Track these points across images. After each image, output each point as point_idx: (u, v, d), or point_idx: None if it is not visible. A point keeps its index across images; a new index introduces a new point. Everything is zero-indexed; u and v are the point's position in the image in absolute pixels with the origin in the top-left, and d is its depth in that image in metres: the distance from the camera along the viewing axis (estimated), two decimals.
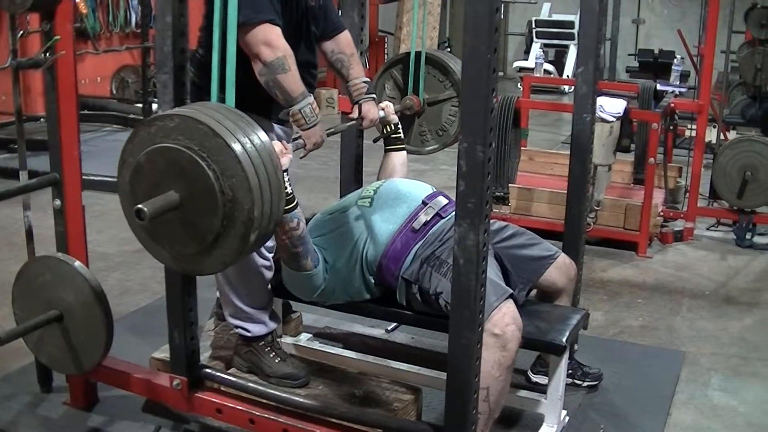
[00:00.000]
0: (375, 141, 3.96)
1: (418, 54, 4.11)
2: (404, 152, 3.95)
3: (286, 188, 2.81)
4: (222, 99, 2.77)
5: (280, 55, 3.18)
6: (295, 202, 3.06)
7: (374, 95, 3.85)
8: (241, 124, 2.46)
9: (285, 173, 2.85)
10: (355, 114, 3.81)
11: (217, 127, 2.39)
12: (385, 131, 3.89)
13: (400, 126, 3.91)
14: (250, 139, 2.42)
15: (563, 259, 3.60)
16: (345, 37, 3.79)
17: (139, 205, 2.38)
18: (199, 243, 2.48)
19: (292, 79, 3.21)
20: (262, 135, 2.48)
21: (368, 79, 3.83)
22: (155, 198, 2.43)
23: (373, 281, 3.39)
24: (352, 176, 4.20)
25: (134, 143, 2.53)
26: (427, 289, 3.23)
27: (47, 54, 3.27)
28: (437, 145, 4.20)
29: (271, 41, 3.19)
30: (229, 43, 2.71)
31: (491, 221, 2.61)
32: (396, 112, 3.90)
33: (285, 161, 2.91)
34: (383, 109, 3.82)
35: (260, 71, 3.17)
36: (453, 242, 2.57)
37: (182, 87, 2.96)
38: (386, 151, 3.93)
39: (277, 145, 2.86)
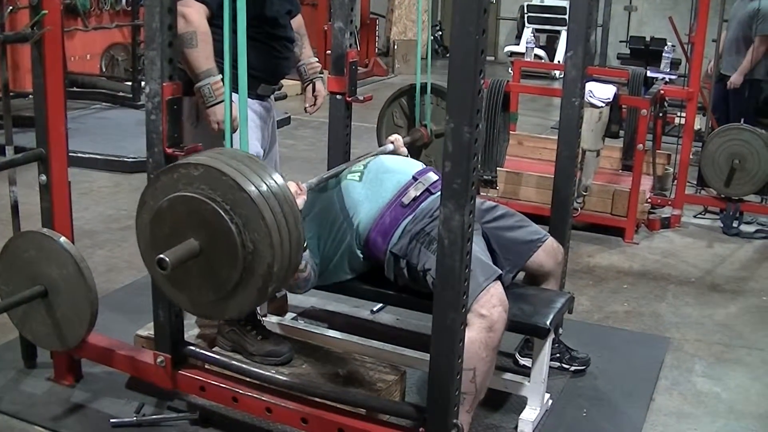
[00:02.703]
0: None
1: (423, 85, 4.12)
2: None
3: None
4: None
5: (191, 30, 3.29)
6: (305, 245, 3.06)
7: (323, 75, 4.04)
8: (264, 176, 2.47)
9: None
10: (309, 92, 4.00)
11: (242, 180, 2.40)
12: None
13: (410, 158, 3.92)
14: (273, 192, 2.44)
15: (551, 242, 3.60)
16: (299, 19, 3.93)
17: (161, 255, 2.40)
18: (217, 291, 2.51)
19: (198, 55, 3.32)
20: (282, 184, 2.50)
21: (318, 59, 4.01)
22: (176, 247, 2.45)
23: (361, 256, 3.40)
24: (340, 157, 4.19)
25: (156, 187, 2.54)
26: (415, 265, 3.24)
27: (34, 28, 3.24)
28: None
29: (187, 15, 3.30)
30: (239, 22, 2.71)
31: (481, 200, 2.62)
32: (405, 145, 3.91)
33: (299, 202, 2.92)
34: (393, 142, 3.83)
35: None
36: None
37: (170, 64, 2.95)
38: None
39: (292, 186, 2.88)
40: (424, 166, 3.57)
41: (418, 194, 3.38)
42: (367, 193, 3.40)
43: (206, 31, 3.32)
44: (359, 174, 3.47)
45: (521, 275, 3.70)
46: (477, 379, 3.00)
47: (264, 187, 2.42)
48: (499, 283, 3.09)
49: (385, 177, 3.44)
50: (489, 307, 3.00)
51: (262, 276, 2.43)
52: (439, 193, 3.33)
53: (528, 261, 3.56)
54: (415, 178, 3.44)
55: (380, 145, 3.98)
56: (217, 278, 2.48)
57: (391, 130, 4.23)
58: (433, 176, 3.47)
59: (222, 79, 3.09)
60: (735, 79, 7.87)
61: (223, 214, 2.40)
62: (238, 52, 2.74)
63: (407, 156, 3.87)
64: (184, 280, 2.56)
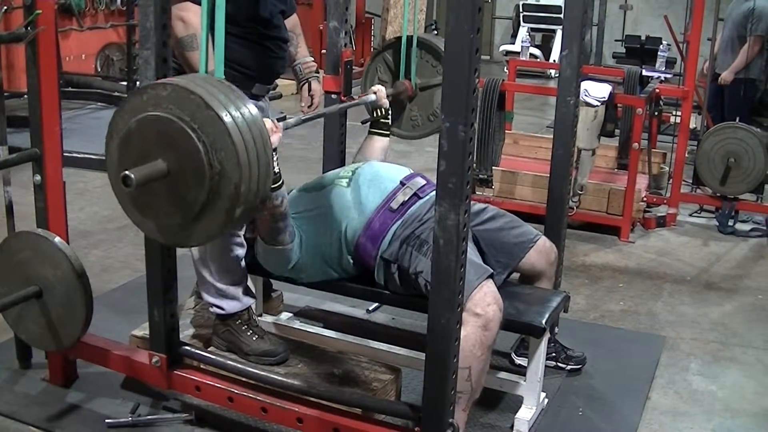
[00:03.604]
0: (363, 122, 3.96)
1: (410, 38, 4.09)
2: (387, 138, 3.95)
3: (274, 167, 2.80)
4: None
5: (191, 33, 3.28)
6: (281, 181, 3.05)
7: (319, 74, 4.02)
8: (233, 98, 2.42)
9: (274, 152, 2.83)
10: (305, 91, 4.00)
11: (210, 99, 2.36)
12: (375, 114, 3.89)
13: (390, 111, 3.91)
14: (241, 114, 2.39)
15: (543, 242, 3.60)
16: (294, 18, 3.94)
17: (126, 171, 2.34)
18: (184, 214, 2.45)
19: (198, 58, 3.26)
20: (254, 110, 2.45)
21: (314, 58, 4.00)
22: (142, 165, 2.40)
23: (350, 261, 3.40)
24: (335, 156, 4.19)
25: (125, 110, 2.49)
26: (406, 269, 3.23)
27: (28, 28, 3.24)
28: (428, 130, 4.17)
29: (185, 18, 3.29)
30: (217, 19, 2.69)
31: (471, 203, 2.61)
32: (387, 97, 3.90)
33: (275, 139, 2.90)
34: (375, 93, 3.83)
35: (172, 44, 3.19)
36: (432, 222, 2.57)
37: (164, 63, 2.94)
38: (370, 133, 3.93)
39: (268, 123, 2.86)
40: (412, 171, 3.58)
41: (406, 199, 3.38)
42: (355, 198, 3.40)
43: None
44: (347, 180, 3.46)
45: (516, 275, 3.70)
46: (472, 378, 3.00)
47: (232, 108, 2.38)
48: (491, 281, 3.09)
49: (373, 182, 3.44)
50: (483, 305, 3.00)
51: (229, 197, 2.37)
52: (427, 197, 3.37)
53: (520, 262, 3.56)
54: (402, 183, 3.44)
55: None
56: (184, 200, 2.43)
57: (375, 84, 4.17)
58: (420, 181, 3.48)
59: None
60: (726, 76, 7.89)
61: (190, 132, 2.35)
62: (216, 46, 2.70)
63: (388, 109, 3.89)
64: (150, 204, 2.50)
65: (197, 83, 2.42)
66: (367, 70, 4.31)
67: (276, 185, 2.99)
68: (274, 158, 2.82)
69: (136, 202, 2.53)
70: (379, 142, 3.91)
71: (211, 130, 2.35)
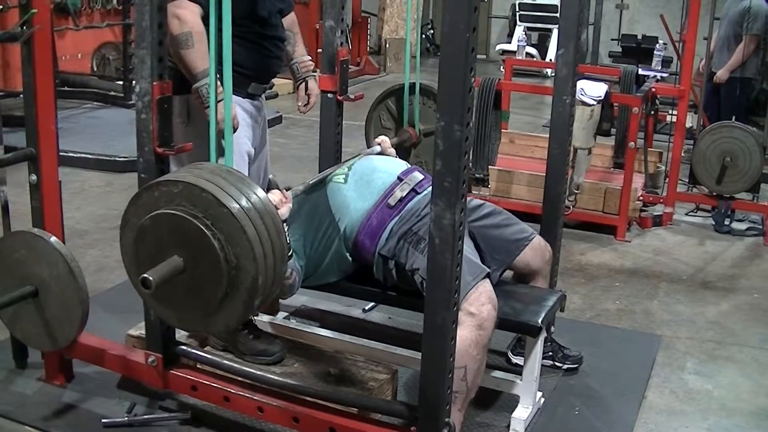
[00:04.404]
0: None
1: (412, 85, 4.10)
2: None
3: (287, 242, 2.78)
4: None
5: (186, 31, 3.27)
6: (291, 253, 3.05)
7: (316, 74, 4.03)
8: (244, 189, 2.46)
9: (283, 224, 2.82)
10: (302, 90, 4.00)
11: (221, 195, 2.40)
12: None
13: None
14: (253, 204, 2.43)
15: (538, 240, 3.61)
16: (292, 17, 3.94)
17: (145, 275, 2.39)
18: (203, 307, 2.50)
19: (194, 56, 3.31)
20: (265, 198, 2.49)
21: (311, 57, 4.01)
22: (160, 265, 2.44)
23: (349, 258, 3.40)
24: (331, 156, 4.19)
25: (138, 206, 2.53)
26: (403, 265, 3.24)
27: (24, 27, 3.23)
28: None
29: (181, 15, 3.29)
30: (224, 21, 2.69)
31: (468, 199, 2.61)
32: (393, 146, 3.89)
33: (284, 211, 2.91)
34: (380, 144, 3.82)
35: (168, 42, 3.18)
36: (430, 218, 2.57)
37: (160, 62, 2.94)
38: None
39: (276, 195, 2.86)
40: (409, 166, 3.57)
41: (404, 195, 3.37)
42: (352, 195, 3.39)
43: (201, 31, 3.30)
44: (344, 176, 3.46)
45: (510, 273, 3.70)
46: (468, 378, 3.00)
47: (244, 201, 2.42)
48: (487, 281, 3.09)
49: (371, 179, 3.44)
50: (478, 305, 3.00)
51: (247, 290, 2.42)
52: (425, 192, 3.36)
53: (515, 260, 3.56)
54: (400, 179, 3.43)
55: (368, 147, 3.97)
56: (203, 294, 2.47)
57: (378, 132, 4.21)
58: (418, 176, 3.47)
59: (219, 79, 3.07)
60: (721, 74, 7.91)
61: (204, 230, 2.39)
62: (223, 52, 2.71)
63: (395, 157, 3.86)
64: (169, 298, 2.55)
65: (207, 178, 2.45)
66: (369, 118, 4.34)
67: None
68: (285, 231, 2.80)
69: (156, 298, 2.56)
70: (389, 158, 3.90)
71: (224, 226, 2.39)
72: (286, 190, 3.10)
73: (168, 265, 2.44)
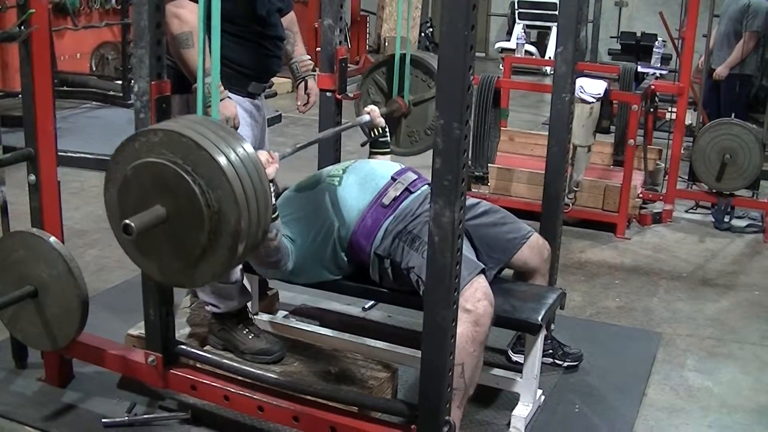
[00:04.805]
0: (363, 145, 3.94)
1: (402, 56, 4.09)
2: (389, 155, 3.94)
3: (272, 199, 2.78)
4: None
5: (187, 30, 3.25)
6: (276, 214, 3.04)
7: (316, 73, 4.03)
8: (225, 136, 2.43)
9: (271, 183, 2.81)
10: (301, 90, 3.99)
11: (201, 140, 2.36)
12: (372, 135, 3.87)
13: (387, 129, 3.89)
14: (234, 150, 2.39)
15: (536, 238, 3.60)
16: (291, 16, 3.93)
17: (126, 221, 2.35)
18: (187, 256, 2.46)
19: (195, 56, 3.26)
20: (247, 146, 2.45)
21: (310, 56, 4.01)
22: (142, 213, 2.41)
23: (345, 258, 3.39)
24: (330, 155, 4.19)
25: (119, 159, 2.50)
26: (398, 264, 3.23)
27: (22, 27, 3.23)
28: (427, 144, 4.13)
29: (181, 15, 3.27)
30: (213, 18, 2.68)
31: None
32: (382, 116, 3.88)
33: (271, 171, 2.89)
34: (369, 113, 3.81)
35: (168, 42, 3.19)
36: (424, 217, 2.56)
37: (158, 62, 2.94)
38: (372, 153, 3.91)
39: (263, 155, 2.85)
40: (403, 167, 3.57)
41: (397, 194, 3.37)
42: (347, 196, 3.39)
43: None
44: (338, 178, 3.45)
45: (510, 272, 3.69)
46: (466, 375, 3.00)
47: (224, 145, 2.39)
48: (483, 276, 3.09)
49: (365, 179, 3.43)
50: (474, 301, 3.00)
51: (230, 234, 2.37)
52: (418, 191, 3.36)
53: (512, 258, 3.55)
54: (393, 179, 3.43)
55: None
56: (186, 242, 2.43)
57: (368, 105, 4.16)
58: (411, 175, 3.47)
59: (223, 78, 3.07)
60: (721, 71, 7.92)
61: (185, 175, 2.35)
62: (212, 48, 2.70)
63: (385, 127, 3.87)
64: (153, 249, 2.51)
65: (187, 126, 2.43)
66: (359, 91, 4.30)
67: (272, 218, 2.98)
68: (272, 189, 2.79)
69: (138, 247, 2.53)
70: (383, 160, 3.90)
71: (204, 170, 2.35)
72: (274, 152, 3.08)
73: (150, 213, 2.40)
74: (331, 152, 4.20)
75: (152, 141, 2.41)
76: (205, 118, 2.62)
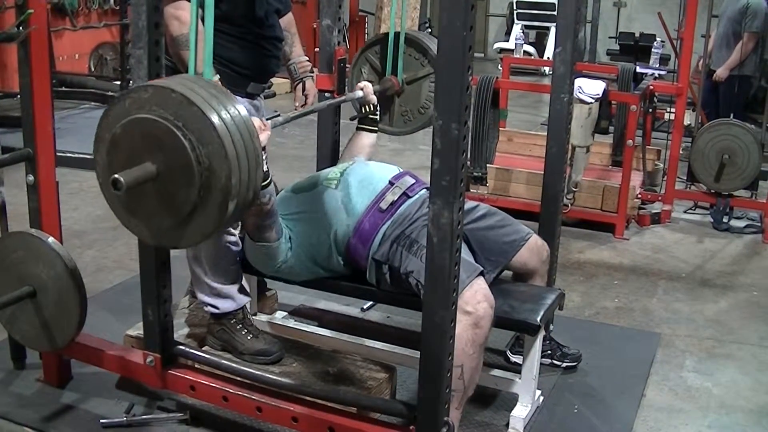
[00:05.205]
0: (352, 119, 3.95)
1: (394, 35, 4.07)
2: (375, 134, 3.94)
3: (263, 164, 2.77)
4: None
5: (186, 32, 3.24)
6: (269, 179, 3.04)
7: (314, 74, 4.01)
8: (216, 94, 2.41)
9: (263, 150, 2.81)
10: (299, 90, 4.00)
11: (192, 96, 2.34)
12: (363, 111, 3.88)
13: (378, 107, 3.90)
14: (225, 107, 2.38)
15: (535, 240, 3.60)
16: (289, 17, 3.94)
17: (116, 175, 2.33)
18: (176, 214, 2.43)
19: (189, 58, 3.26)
20: (239, 105, 2.44)
21: (308, 57, 4.01)
22: (132, 169, 2.39)
23: (341, 262, 3.39)
24: (328, 155, 4.18)
25: (110, 116, 2.48)
26: (397, 268, 3.23)
27: (20, 28, 3.23)
28: (420, 123, 4.13)
29: (181, 17, 3.27)
30: (206, 17, 2.68)
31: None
32: (375, 93, 3.88)
33: (263, 138, 2.87)
34: (362, 89, 3.81)
35: (168, 43, 3.19)
36: (422, 221, 2.56)
37: (157, 62, 2.93)
38: (358, 129, 3.92)
39: (256, 121, 2.84)
40: (401, 170, 3.56)
41: (395, 198, 3.37)
42: (344, 200, 3.38)
43: (201, 31, 3.29)
44: (336, 181, 3.45)
45: (509, 273, 3.69)
46: (465, 376, 3.00)
47: (215, 102, 2.37)
48: (482, 278, 3.09)
49: (362, 183, 3.43)
50: (474, 303, 2.99)
51: (220, 191, 2.36)
52: (416, 196, 3.36)
53: (512, 260, 3.55)
54: (391, 183, 3.43)
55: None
56: (175, 200, 2.41)
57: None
58: (409, 180, 3.47)
59: (220, 79, 3.07)
60: (721, 72, 7.94)
61: (175, 130, 2.34)
62: (205, 49, 2.69)
63: (377, 105, 3.87)
64: (142, 207, 2.49)
65: (178, 82, 2.42)
66: (351, 73, 4.29)
67: (265, 183, 2.97)
68: (264, 156, 2.79)
69: (127, 205, 2.51)
70: (368, 139, 3.91)
71: (195, 126, 2.34)
72: (266, 119, 3.08)
73: (140, 169, 2.38)
74: (329, 152, 4.19)
75: (143, 97, 2.40)
76: (198, 77, 2.61)
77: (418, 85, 4.07)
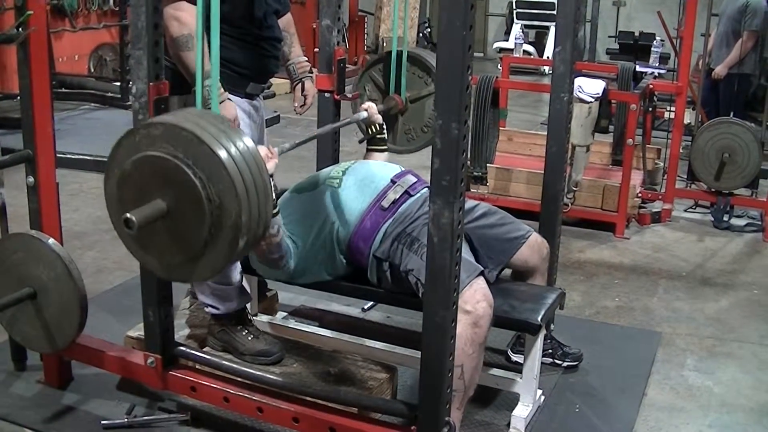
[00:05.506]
0: (360, 141, 3.93)
1: (397, 53, 4.08)
2: (386, 153, 3.93)
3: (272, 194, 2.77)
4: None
5: (186, 33, 3.24)
6: (277, 209, 3.04)
7: (313, 74, 4.02)
8: (226, 130, 2.43)
9: (271, 178, 2.81)
10: (298, 91, 3.99)
11: (202, 134, 2.36)
12: (369, 131, 3.86)
13: (384, 126, 3.89)
14: (234, 144, 2.39)
15: (535, 237, 3.60)
16: (288, 17, 3.93)
17: (127, 214, 2.35)
18: (187, 250, 2.46)
19: (195, 58, 3.25)
20: (247, 140, 2.45)
21: (307, 57, 3.99)
22: (143, 207, 2.41)
23: (344, 260, 3.39)
24: (329, 155, 4.18)
25: (120, 152, 2.50)
26: (397, 266, 3.23)
27: (20, 29, 3.23)
28: (424, 142, 4.12)
29: (180, 17, 3.26)
30: (212, 19, 2.68)
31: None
32: (379, 113, 3.88)
33: (271, 166, 2.89)
34: (366, 110, 3.81)
35: (168, 44, 3.18)
36: (423, 220, 2.56)
37: (156, 63, 2.94)
38: (369, 150, 3.90)
39: (263, 150, 2.85)
40: (402, 169, 3.56)
41: (397, 197, 3.37)
42: (346, 198, 3.38)
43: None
44: (338, 180, 3.45)
45: (508, 272, 3.69)
46: (465, 376, 3.00)
47: (224, 139, 2.38)
48: (482, 278, 3.09)
49: (364, 182, 3.43)
50: (473, 302, 2.99)
51: (231, 228, 2.37)
52: (418, 194, 3.36)
53: (512, 258, 3.55)
54: (393, 182, 3.43)
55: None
56: (187, 236, 2.43)
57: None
58: (411, 178, 3.47)
59: (222, 80, 3.07)
60: (720, 70, 7.95)
61: (186, 169, 2.34)
62: (211, 51, 2.69)
63: (382, 124, 3.86)
64: (154, 243, 2.50)
65: (188, 119, 2.42)
66: (354, 89, 4.29)
67: (274, 212, 2.97)
68: (272, 184, 2.80)
69: (139, 242, 2.53)
70: (380, 157, 3.89)
71: (205, 164, 2.35)
72: (273, 148, 3.08)
73: (151, 207, 2.39)
74: (329, 152, 4.19)
75: (153, 134, 2.41)
76: (206, 112, 2.62)
77: (421, 103, 4.07)
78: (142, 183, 2.44)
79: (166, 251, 2.49)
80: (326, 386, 3.35)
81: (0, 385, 3.69)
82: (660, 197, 6.69)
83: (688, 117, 7.64)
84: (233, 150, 2.37)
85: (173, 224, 2.43)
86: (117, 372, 3.50)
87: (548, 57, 13.90)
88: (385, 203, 3.35)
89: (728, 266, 5.71)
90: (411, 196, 3.38)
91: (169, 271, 2.57)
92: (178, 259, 2.48)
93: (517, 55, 11.13)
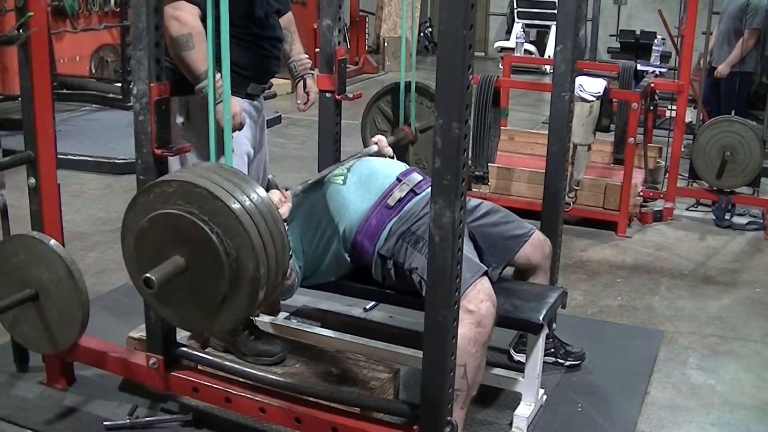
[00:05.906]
0: None
1: (407, 84, 4.09)
2: None
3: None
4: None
5: (186, 33, 3.25)
6: (290, 253, 3.04)
7: (314, 72, 4.03)
8: (239, 183, 2.46)
9: (284, 223, 2.82)
10: (300, 89, 3.99)
11: (216, 189, 2.39)
12: None
13: (395, 158, 3.88)
14: (248, 197, 2.43)
15: (538, 235, 3.60)
16: (289, 16, 3.94)
17: (147, 274, 2.39)
18: (207, 305, 2.49)
19: (196, 57, 3.30)
20: (260, 191, 2.48)
21: (308, 56, 4.01)
22: (162, 265, 2.43)
23: (348, 258, 3.39)
24: (330, 155, 4.18)
25: (135, 210, 2.53)
26: (401, 264, 3.23)
27: (20, 30, 3.23)
28: None
29: (180, 17, 3.28)
30: (222, 20, 2.69)
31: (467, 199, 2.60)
32: (389, 145, 3.88)
33: (284, 210, 2.90)
34: (377, 143, 3.81)
35: (168, 44, 3.19)
36: (428, 218, 2.55)
37: (157, 64, 2.93)
38: None
39: (275, 195, 2.86)
40: (408, 167, 3.57)
41: (402, 195, 3.37)
42: (351, 196, 3.38)
43: (201, 32, 3.29)
44: (343, 177, 3.45)
45: (510, 270, 3.69)
46: (468, 376, 2.99)
47: (239, 193, 2.42)
48: (486, 278, 3.09)
49: (369, 180, 3.43)
50: (477, 302, 2.99)
51: (250, 281, 2.41)
52: (423, 193, 3.35)
53: (515, 256, 3.55)
54: (399, 180, 3.43)
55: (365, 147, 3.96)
56: (206, 291, 2.47)
57: (374, 134, 4.18)
58: (417, 177, 3.47)
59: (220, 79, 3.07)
60: (722, 69, 7.94)
61: (202, 225, 2.39)
62: (222, 53, 2.70)
63: (393, 157, 3.85)
64: (173, 298, 2.54)
65: (200, 175, 2.45)
66: (364, 123, 4.31)
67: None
68: (285, 229, 2.80)
69: (159, 298, 2.56)
70: (388, 160, 3.88)
71: (221, 219, 2.39)
72: (286, 190, 3.10)
73: (169, 264, 2.44)
74: (330, 153, 4.19)
75: (167, 192, 2.45)
76: (218, 165, 2.64)
77: (431, 132, 4.07)
78: (158, 239, 2.49)
79: (187, 305, 2.56)
80: (328, 386, 3.35)
81: (2, 387, 3.69)
82: (661, 196, 6.69)
83: (690, 115, 7.64)
84: (247, 203, 2.41)
85: (192, 279, 2.48)
86: (119, 373, 3.50)
87: (549, 56, 13.88)
88: (391, 201, 3.35)
89: (730, 265, 5.71)
90: (416, 194, 3.38)
91: (189, 324, 2.61)
92: (199, 312, 2.53)
93: (518, 55, 11.12)
